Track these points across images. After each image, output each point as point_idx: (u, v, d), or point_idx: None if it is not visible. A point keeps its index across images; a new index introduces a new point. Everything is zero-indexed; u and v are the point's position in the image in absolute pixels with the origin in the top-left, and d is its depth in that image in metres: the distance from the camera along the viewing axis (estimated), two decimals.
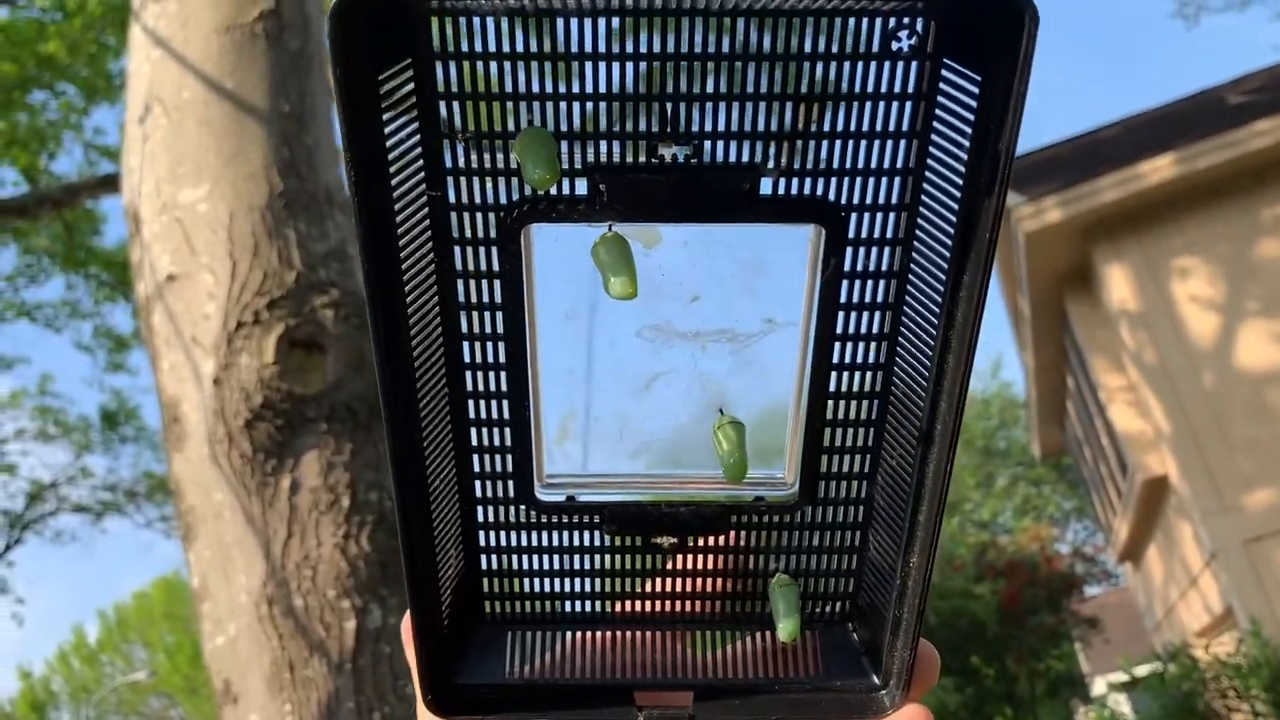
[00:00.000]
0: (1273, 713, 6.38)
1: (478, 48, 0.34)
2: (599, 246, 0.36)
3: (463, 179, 0.37)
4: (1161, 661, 7.59)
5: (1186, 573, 8.52)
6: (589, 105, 0.35)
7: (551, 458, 0.43)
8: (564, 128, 0.35)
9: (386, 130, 0.34)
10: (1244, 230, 7.23)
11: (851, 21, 0.34)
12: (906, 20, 0.34)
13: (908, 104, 0.35)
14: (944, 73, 0.35)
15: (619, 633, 0.45)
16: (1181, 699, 6.99)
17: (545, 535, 0.44)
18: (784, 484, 0.43)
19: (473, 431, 0.42)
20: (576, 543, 0.44)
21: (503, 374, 0.41)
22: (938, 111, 0.35)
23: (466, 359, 0.40)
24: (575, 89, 0.35)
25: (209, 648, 1.87)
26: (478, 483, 0.43)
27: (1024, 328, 9.14)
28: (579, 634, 0.45)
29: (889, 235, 0.38)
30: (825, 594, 0.46)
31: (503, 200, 0.37)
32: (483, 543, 0.44)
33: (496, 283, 0.39)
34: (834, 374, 0.41)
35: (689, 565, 0.45)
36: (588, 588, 0.46)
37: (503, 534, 0.44)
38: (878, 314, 0.40)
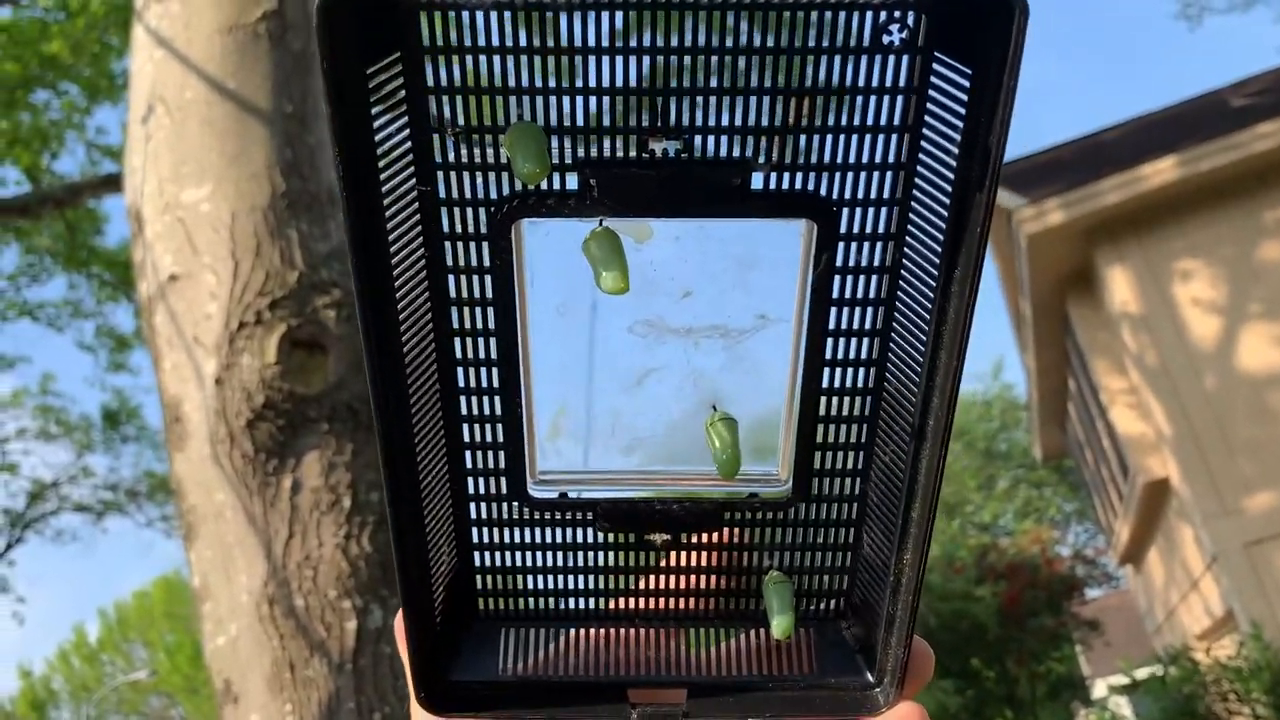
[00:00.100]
0: (1274, 716, 6.38)
1: (467, 42, 0.34)
2: (590, 242, 0.36)
3: (453, 174, 0.37)
4: (1162, 664, 7.58)
5: (1187, 575, 8.51)
6: (579, 100, 0.35)
7: (544, 454, 0.43)
8: (554, 122, 0.35)
9: (375, 125, 0.34)
10: (1246, 233, 7.23)
11: (842, 15, 0.34)
12: (897, 14, 0.34)
13: (899, 98, 0.35)
14: (935, 67, 0.35)
15: (613, 630, 0.45)
16: (1182, 702, 6.98)
17: (538, 532, 0.44)
18: (777, 480, 0.43)
19: (464, 428, 0.42)
20: (569, 540, 0.44)
21: (494, 370, 0.41)
22: (929, 106, 0.35)
23: (457, 355, 0.40)
24: (565, 84, 0.35)
25: (210, 647, 1.87)
26: (469, 479, 0.43)
27: (1025, 330, 9.13)
28: (573, 631, 0.45)
29: (881, 230, 0.38)
30: (819, 591, 0.46)
31: (493, 195, 0.37)
32: (475, 540, 0.44)
33: (487, 278, 0.39)
34: (827, 370, 0.41)
35: (682, 562, 0.45)
36: (581, 585, 0.46)
37: (495, 531, 0.44)
38: (870, 309, 0.40)
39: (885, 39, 0.34)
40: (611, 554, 0.45)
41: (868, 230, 0.38)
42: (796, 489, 0.43)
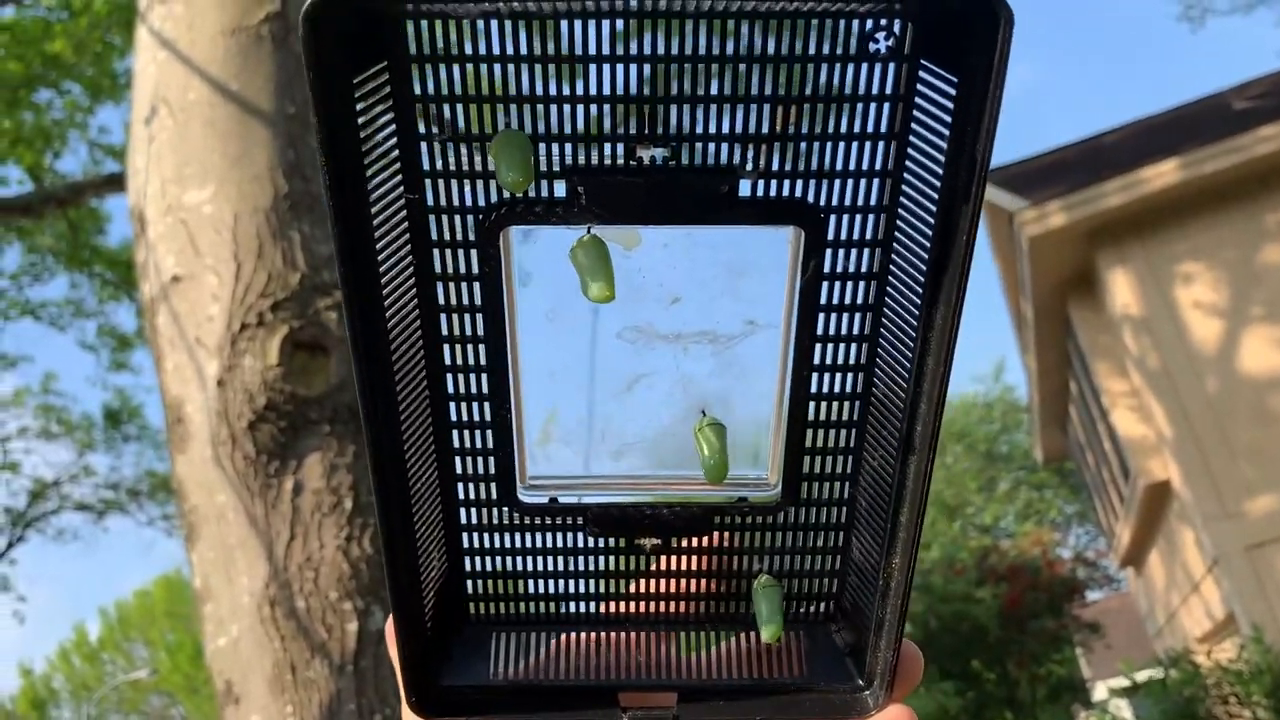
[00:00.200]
0: (1274, 719, 6.37)
1: (454, 51, 0.34)
2: (577, 250, 0.37)
3: (441, 181, 0.37)
4: (1163, 667, 7.56)
5: (1188, 578, 8.50)
6: (567, 108, 0.35)
7: (534, 460, 0.43)
8: (542, 130, 0.36)
9: (363, 134, 0.34)
10: (1248, 236, 7.22)
11: (829, 23, 0.34)
12: (884, 22, 0.34)
13: (885, 106, 0.36)
14: (921, 74, 0.35)
15: (603, 634, 0.45)
16: (1183, 705, 6.97)
17: (528, 537, 0.44)
18: (766, 485, 0.44)
19: (454, 434, 0.42)
20: (559, 544, 0.45)
21: (484, 376, 0.41)
22: (915, 113, 0.35)
23: (447, 361, 0.40)
24: (553, 91, 0.35)
25: (211, 648, 1.87)
26: (459, 485, 0.43)
27: (1027, 332, 9.12)
28: (563, 635, 0.45)
29: (868, 237, 0.38)
30: (808, 595, 0.46)
31: (481, 203, 0.37)
32: (466, 544, 0.44)
33: (476, 285, 0.39)
34: (815, 375, 0.41)
35: (672, 566, 0.45)
36: (571, 589, 0.46)
37: (485, 536, 0.44)
38: (858, 315, 0.40)
39: (872, 47, 0.34)
40: (602, 558, 0.45)
41: (855, 237, 0.38)
42: (786, 493, 0.43)
